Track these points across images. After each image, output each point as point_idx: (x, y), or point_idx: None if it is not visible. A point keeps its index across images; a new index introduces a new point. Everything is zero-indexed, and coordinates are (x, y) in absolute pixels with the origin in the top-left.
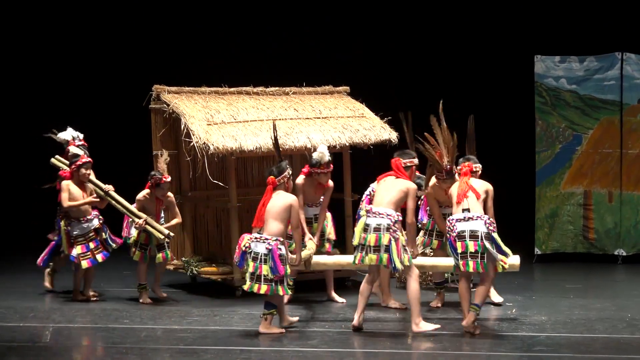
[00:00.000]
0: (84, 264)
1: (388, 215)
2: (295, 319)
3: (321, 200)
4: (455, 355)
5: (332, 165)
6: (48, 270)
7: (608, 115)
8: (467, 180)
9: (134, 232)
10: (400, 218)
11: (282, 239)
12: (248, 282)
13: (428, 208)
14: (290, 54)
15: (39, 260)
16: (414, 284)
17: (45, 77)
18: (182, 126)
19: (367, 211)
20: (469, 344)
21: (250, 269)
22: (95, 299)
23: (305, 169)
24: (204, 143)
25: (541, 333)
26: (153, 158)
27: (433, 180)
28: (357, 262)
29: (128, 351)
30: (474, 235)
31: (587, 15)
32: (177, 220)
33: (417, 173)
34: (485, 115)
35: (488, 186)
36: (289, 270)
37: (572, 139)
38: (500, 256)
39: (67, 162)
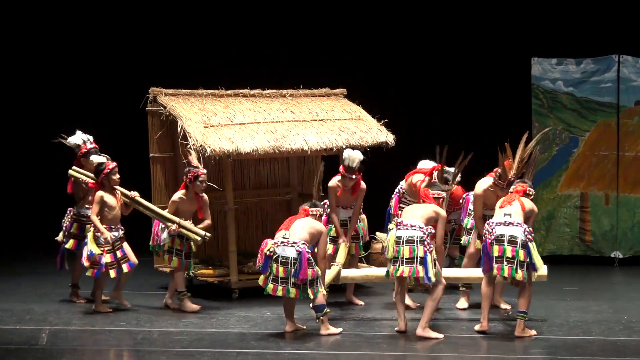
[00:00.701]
0: (112, 273)
1: (420, 227)
2: (303, 327)
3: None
4: (453, 357)
5: (358, 174)
6: (72, 288)
7: (605, 117)
8: (518, 197)
9: (166, 238)
10: (433, 231)
11: (308, 245)
12: (280, 287)
13: (470, 207)
14: (287, 56)
15: (57, 265)
16: (439, 294)
17: (43, 79)
18: (179, 128)
19: (397, 224)
20: (466, 347)
21: (281, 274)
22: (128, 305)
23: (341, 169)
24: (201, 145)
25: (538, 335)
26: (150, 160)
27: (487, 182)
28: (391, 274)
29: (124, 354)
30: (512, 241)
31: (584, 18)
32: (207, 221)
33: (446, 167)
34: (482, 118)
35: (534, 208)
36: (319, 272)
37: (569, 141)
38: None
39: (85, 172)
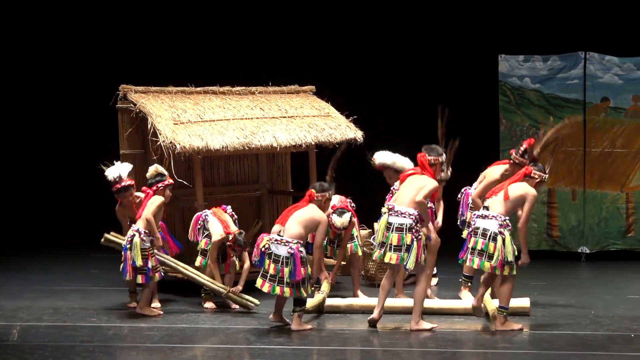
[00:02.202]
0: (157, 276)
1: (410, 214)
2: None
3: None
4: (420, 352)
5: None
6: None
7: (571, 114)
8: (512, 182)
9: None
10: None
11: (302, 242)
12: (267, 284)
13: (469, 201)
14: (257, 53)
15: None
16: (423, 283)
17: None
18: (149, 125)
19: (389, 209)
20: (433, 341)
21: (272, 271)
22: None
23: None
24: (171, 142)
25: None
26: (121, 157)
27: (501, 167)
28: (375, 258)
29: (95, 349)
30: (484, 234)
31: (551, 15)
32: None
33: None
34: (450, 114)
35: (528, 193)
36: (310, 271)
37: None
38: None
39: (122, 237)
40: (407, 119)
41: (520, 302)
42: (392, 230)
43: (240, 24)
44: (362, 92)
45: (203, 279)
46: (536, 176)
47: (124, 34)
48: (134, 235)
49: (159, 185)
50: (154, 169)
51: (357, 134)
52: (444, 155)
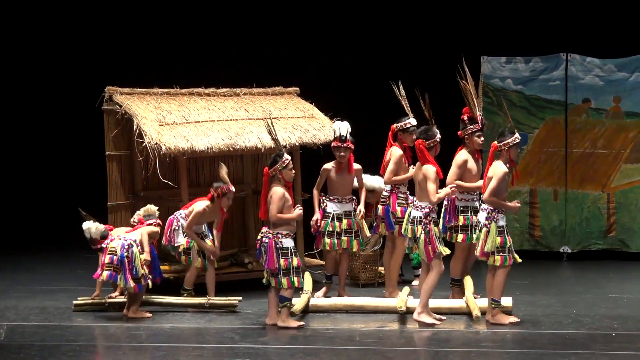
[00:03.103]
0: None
1: (422, 208)
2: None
3: (351, 198)
4: (402, 351)
5: (350, 143)
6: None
7: (553, 115)
8: (487, 168)
9: (181, 240)
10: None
11: (284, 232)
12: (265, 276)
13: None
14: (241, 55)
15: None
16: (434, 276)
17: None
18: (135, 127)
19: (411, 203)
20: (418, 340)
21: (263, 263)
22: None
23: (334, 143)
24: (156, 143)
25: (488, 329)
26: (106, 158)
27: (464, 154)
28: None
29: (81, 349)
30: (412, 221)
31: (533, 17)
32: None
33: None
34: (433, 115)
35: (494, 171)
36: (295, 262)
37: None
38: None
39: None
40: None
41: (503, 302)
42: (408, 223)
43: (225, 26)
44: (346, 93)
45: (182, 301)
46: (504, 142)
47: (110, 35)
48: (131, 245)
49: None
50: (146, 208)
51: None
52: (439, 134)
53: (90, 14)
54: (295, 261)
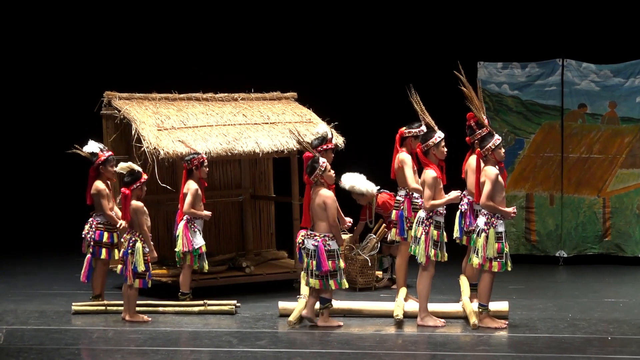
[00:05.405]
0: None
1: (425, 209)
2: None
3: None
4: (400, 355)
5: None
6: (96, 299)
7: (549, 120)
8: (477, 174)
9: (201, 241)
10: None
11: (330, 235)
12: (305, 277)
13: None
14: (240, 60)
15: (84, 278)
16: (426, 280)
17: None
18: (133, 132)
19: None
20: (413, 344)
21: (305, 264)
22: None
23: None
24: (155, 148)
25: (484, 333)
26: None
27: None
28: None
29: (80, 353)
30: (417, 222)
31: (529, 22)
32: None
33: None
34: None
35: (485, 175)
36: (342, 265)
37: (515, 143)
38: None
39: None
40: (388, 125)
41: (499, 306)
42: (415, 224)
43: (223, 31)
44: (343, 98)
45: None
46: (486, 147)
47: (109, 40)
48: (135, 240)
49: (136, 184)
50: (126, 165)
51: (338, 140)
52: (438, 135)
53: (89, 19)
54: (342, 263)
